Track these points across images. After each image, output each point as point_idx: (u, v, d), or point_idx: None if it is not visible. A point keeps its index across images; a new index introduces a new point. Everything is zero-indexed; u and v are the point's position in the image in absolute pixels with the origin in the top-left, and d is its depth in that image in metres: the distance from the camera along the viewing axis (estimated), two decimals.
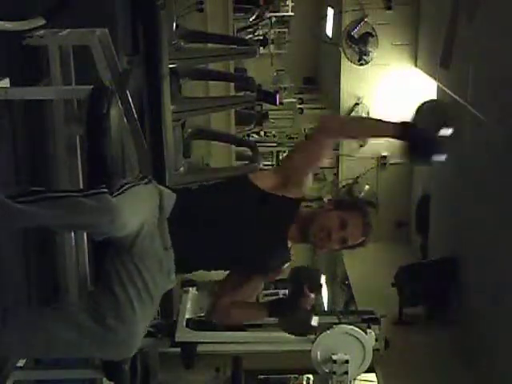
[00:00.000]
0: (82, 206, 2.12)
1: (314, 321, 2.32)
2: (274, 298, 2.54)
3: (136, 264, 2.26)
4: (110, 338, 2.28)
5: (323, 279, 2.38)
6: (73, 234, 3.17)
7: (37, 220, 2.15)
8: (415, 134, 2.29)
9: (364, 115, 8.45)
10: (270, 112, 9.68)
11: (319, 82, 12.17)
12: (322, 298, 8.73)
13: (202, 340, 3.24)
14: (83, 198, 2.15)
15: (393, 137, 2.34)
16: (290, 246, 2.42)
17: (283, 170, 2.44)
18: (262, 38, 10.27)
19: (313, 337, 2.95)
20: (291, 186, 2.37)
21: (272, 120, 10.11)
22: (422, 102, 2.38)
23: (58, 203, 2.13)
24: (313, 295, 2.34)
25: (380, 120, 2.41)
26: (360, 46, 8.26)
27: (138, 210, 2.22)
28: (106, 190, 2.16)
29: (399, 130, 2.31)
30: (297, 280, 2.37)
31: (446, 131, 2.24)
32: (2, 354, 2.74)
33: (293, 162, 2.41)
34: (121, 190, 2.21)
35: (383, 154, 8.56)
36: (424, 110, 2.34)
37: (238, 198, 2.38)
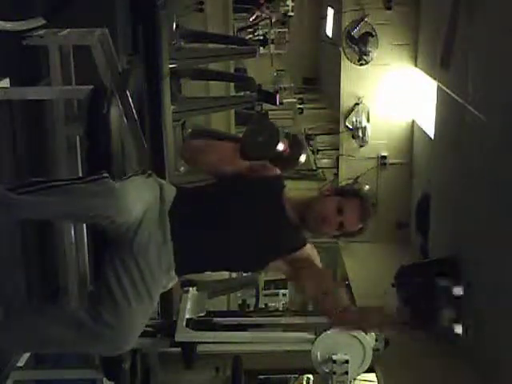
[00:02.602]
0: (83, 191, 2.13)
1: (457, 329, 2.30)
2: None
3: (135, 259, 2.26)
4: (107, 333, 2.28)
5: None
6: (73, 233, 3.17)
7: (38, 209, 2.14)
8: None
9: (364, 115, 8.48)
10: (270, 112, 9.68)
11: (319, 82, 12.18)
12: None
13: (202, 340, 3.23)
14: (85, 183, 2.16)
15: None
16: (298, 228, 2.42)
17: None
18: (262, 37, 10.27)
19: (312, 336, 2.96)
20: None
21: (272, 120, 10.11)
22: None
23: (59, 191, 2.14)
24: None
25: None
26: (360, 45, 8.26)
27: (140, 195, 2.22)
28: (106, 175, 2.17)
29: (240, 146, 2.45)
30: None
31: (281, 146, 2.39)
32: (2, 348, 2.75)
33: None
34: (122, 178, 2.24)
35: (383, 154, 8.57)
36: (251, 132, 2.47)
37: (237, 195, 2.39)
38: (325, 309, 2.43)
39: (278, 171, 2.48)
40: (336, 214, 2.35)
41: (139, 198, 2.21)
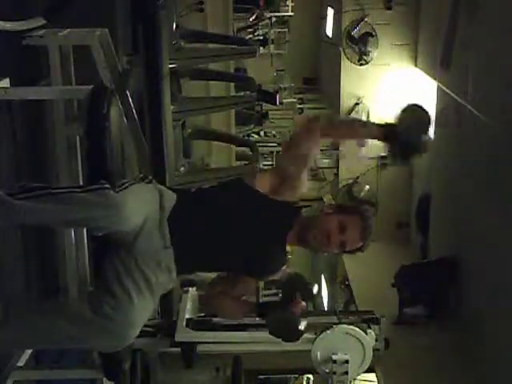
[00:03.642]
0: (83, 201, 2.13)
1: (302, 325, 2.31)
2: (266, 299, 2.54)
3: (136, 259, 2.27)
4: (106, 326, 2.28)
5: (316, 290, 2.37)
6: (73, 234, 3.18)
7: (38, 216, 2.14)
8: (401, 136, 2.34)
9: (364, 115, 8.47)
10: (270, 112, 9.68)
11: (319, 82, 12.17)
12: (321, 298, 8.74)
13: (202, 340, 3.23)
14: (85, 193, 2.16)
15: (378, 139, 2.39)
16: (288, 250, 2.42)
17: (276, 171, 2.44)
18: (261, 38, 10.26)
19: (312, 336, 2.96)
20: (287, 188, 2.37)
21: (272, 120, 10.10)
22: (404, 106, 2.45)
23: (59, 198, 2.13)
24: (304, 303, 2.34)
25: (365, 121, 2.44)
26: (360, 45, 8.26)
27: (141, 205, 2.23)
28: (107, 185, 2.17)
29: (385, 132, 2.37)
30: (290, 286, 2.36)
31: (428, 136, 2.34)
32: (3, 348, 2.75)
33: (282, 162, 2.42)
34: (122, 187, 2.23)
35: (383, 154, 8.56)
36: (407, 114, 2.42)
37: (238, 201, 2.38)
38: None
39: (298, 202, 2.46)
40: (338, 233, 2.34)
41: (139, 208, 2.21)
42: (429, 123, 2.42)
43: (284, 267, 2.45)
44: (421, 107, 2.55)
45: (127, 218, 2.14)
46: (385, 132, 2.37)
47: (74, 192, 2.17)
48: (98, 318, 2.27)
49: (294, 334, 2.35)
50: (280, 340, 2.38)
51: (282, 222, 2.37)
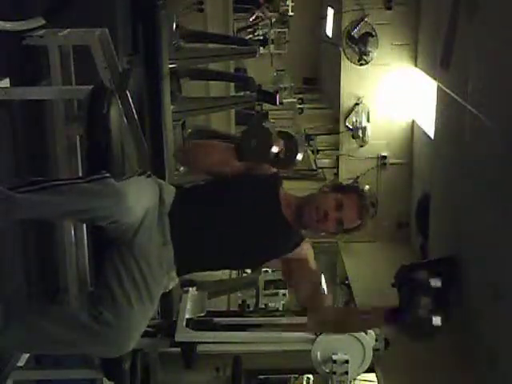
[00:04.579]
0: (86, 191, 2.12)
1: (436, 320, 2.31)
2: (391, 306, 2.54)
3: (136, 258, 2.26)
4: (107, 334, 2.27)
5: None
6: (73, 233, 3.18)
7: (39, 209, 2.13)
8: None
9: (364, 115, 8.47)
10: (269, 112, 9.69)
11: (319, 82, 12.18)
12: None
13: (202, 340, 3.23)
14: (86, 183, 2.15)
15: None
16: (292, 226, 2.41)
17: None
18: (261, 38, 10.27)
19: (312, 336, 2.96)
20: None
21: (272, 120, 10.10)
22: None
23: (61, 190, 2.12)
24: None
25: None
26: (360, 45, 8.26)
27: (142, 195, 2.22)
28: (108, 175, 2.16)
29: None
30: (406, 281, 2.35)
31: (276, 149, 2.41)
32: (3, 351, 2.75)
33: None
34: (123, 178, 2.24)
35: (383, 154, 8.57)
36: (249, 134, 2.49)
37: (232, 192, 2.39)
38: (312, 307, 2.44)
39: (274, 169, 2.48)
40: (334, 210, 2.34)
41: (141, 199, 2.20)
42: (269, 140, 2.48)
43: (306, 242, 2.45)
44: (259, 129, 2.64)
45: (129, 207, 2.12)
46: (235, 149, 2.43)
47: (75, 183, 2.16)
48: (97, 325, 2.26)
49: (430, 332, 2.38)
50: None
51: (269, 189, 2.40)
